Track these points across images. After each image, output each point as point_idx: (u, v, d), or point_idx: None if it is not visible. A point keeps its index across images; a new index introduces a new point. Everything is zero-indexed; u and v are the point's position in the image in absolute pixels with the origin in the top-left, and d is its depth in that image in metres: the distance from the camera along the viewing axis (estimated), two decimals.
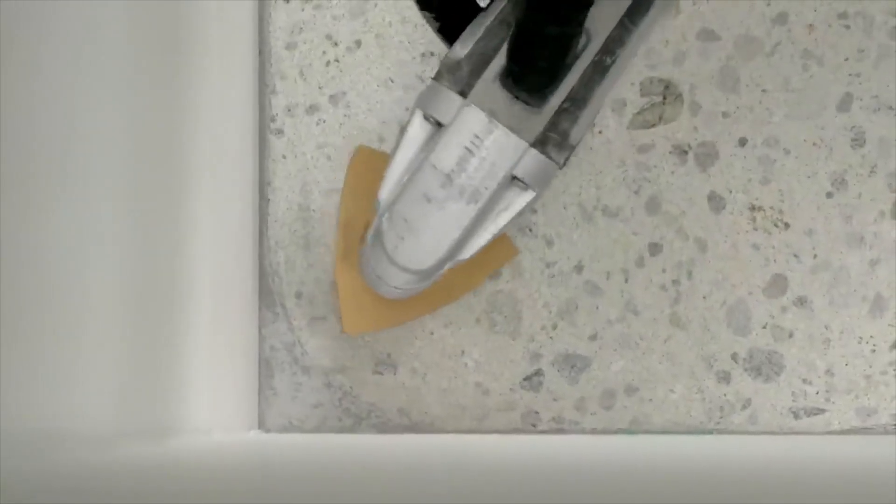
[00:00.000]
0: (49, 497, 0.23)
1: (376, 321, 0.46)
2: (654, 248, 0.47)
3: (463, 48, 0.37)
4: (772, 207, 0.47)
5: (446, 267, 0.39)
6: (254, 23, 0.48)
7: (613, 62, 0.38)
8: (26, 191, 0.26)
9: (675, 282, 0.47)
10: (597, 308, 0.47)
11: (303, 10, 0.48)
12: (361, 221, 0.45)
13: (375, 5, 0.48)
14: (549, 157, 0.38)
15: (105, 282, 0.31)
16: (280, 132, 0.48)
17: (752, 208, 0.47)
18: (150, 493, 0.25)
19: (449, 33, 0.38)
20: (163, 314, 0.36)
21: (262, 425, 0.47)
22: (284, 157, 0.48)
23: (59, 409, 0.27)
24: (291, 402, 0.47)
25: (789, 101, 0.48)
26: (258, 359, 0.47)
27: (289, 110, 0.48)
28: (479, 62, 0.37)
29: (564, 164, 0.38)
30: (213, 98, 0.42)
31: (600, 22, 0.37)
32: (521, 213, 0.39)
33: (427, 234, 0.39)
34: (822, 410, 0.47)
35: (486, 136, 0.38)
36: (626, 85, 0.48)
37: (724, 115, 0.48)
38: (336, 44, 0.48)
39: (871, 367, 0.47)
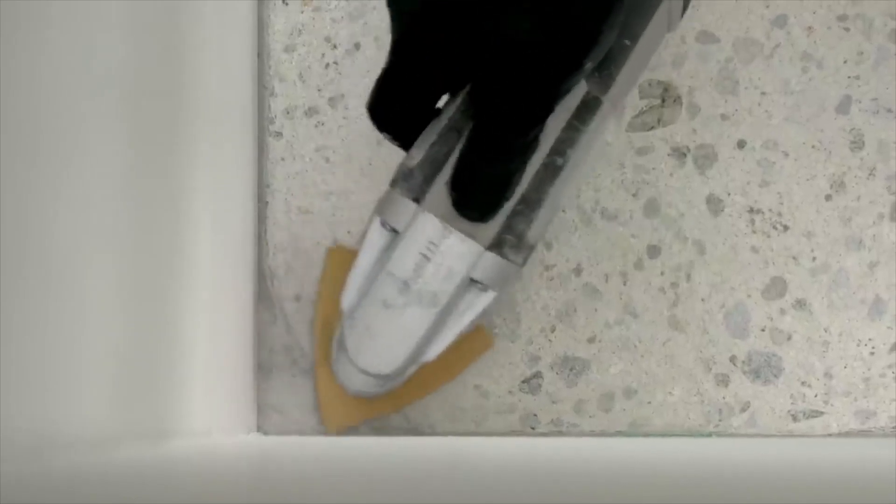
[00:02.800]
0: (48, 499, 0.23)
1: (355, 415, 0.46)
2: (653, 251, 0.47)
3: (417, 154, 0.37)
4: (770, 210, 0.47)
5: (410, 369, 0.40)
6: (253, 25, 0.48)
7: (565, 163, 0.38)
8: (25, 193, 0.26)
9: (674, 284, 0.47)
10: (595, 311, 0.47)
11: (302, 12, 0.48)
12: (337, 322, 0.45)
13: (374, 8, 0.48)
14: (507, 259, 0.38)
15: (103, 284, 0.31)
16: (279, 134, 0.48)
17: (751, 211, 0.47)
18: (149, 496, 0.25)
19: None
20: (161, 316, 0.36)
21: (260, 428, 0.47)
22: (283, 159, 0.48)
23: (57, 411, 0.27)
24: (290, 404, 0.47)
25: (788, 104, 0.48)
26: (256, 362, 0.47)
27: (287, 112, 0.48)
28: (431, 168, 0.37)
29: (525, 262, 0.38)
30: (211, 100, 0.42)
31: (548, 125, 0.36)
32: (484, 312, 0.39)
33: (388, 340, 0.39)
34: (821, 413, 0.47)
35: (440, 242, 0.37)
36: None
37: (723, 117, 0.48)
38: (335, 46, 0.48)
39: (869, 369, 0.47)
